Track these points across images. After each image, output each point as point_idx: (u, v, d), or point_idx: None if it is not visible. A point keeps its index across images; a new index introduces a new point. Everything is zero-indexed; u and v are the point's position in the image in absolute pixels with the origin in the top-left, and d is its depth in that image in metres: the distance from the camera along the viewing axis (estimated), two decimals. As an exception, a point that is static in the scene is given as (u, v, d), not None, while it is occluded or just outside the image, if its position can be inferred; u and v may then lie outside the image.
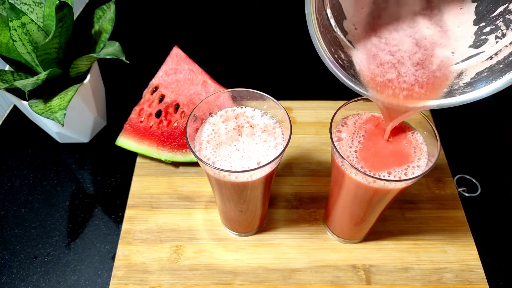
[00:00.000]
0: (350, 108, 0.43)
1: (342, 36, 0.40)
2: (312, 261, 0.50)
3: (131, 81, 0.69)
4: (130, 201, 0.56)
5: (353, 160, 0.39)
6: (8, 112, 0.68)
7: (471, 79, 0.37)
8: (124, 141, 0.59)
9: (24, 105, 0.54)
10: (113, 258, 0.51)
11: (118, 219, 0.55)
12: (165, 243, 0.52)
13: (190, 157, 0.58)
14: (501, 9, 0.36)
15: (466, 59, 0.38)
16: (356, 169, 0.37)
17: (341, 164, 0.39)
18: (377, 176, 0.38)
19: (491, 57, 0.36)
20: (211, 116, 0.44)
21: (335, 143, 0.40)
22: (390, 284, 0.48)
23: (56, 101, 0.51)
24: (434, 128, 0.40)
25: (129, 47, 0.63)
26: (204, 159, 0.40)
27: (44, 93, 0.54)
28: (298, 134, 0.63)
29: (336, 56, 0.38)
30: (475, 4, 0.38)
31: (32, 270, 0.50)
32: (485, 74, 0.36)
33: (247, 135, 0.42)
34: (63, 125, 0.48)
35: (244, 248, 0.51)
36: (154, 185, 0.57)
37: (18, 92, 0.54)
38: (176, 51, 0.63)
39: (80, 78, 0.57)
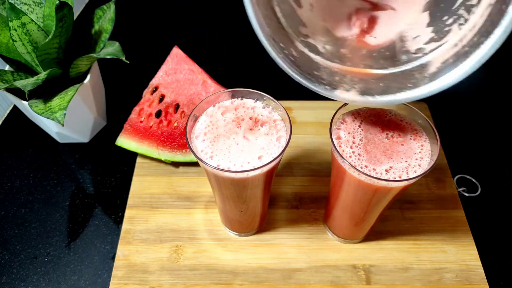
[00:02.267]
0: (350, 108, 0.43)
1: (293, 33, 0.39)
2: (312, 261, 0.50)
3: (131, 81, 0.69)
4: (130, 201, 0.56)
5: (353, 158, 0.39)
6: (8, 112, 0.68)
7: (437, 68, 0.36)
8: (124, 141, 0.59)
9: (24, 105, 0.54)
10: (113, 258, 0.51)
11: (118, 219, 0.55)
12: (165, 243, 0.52)
13: (190, 157, 0.58)
14: (460, 0, 0.36)
15: (429, 52, 0.38)
16: (356, 168, 0.37)
17: (341, 163, 0.39)
18: (377, 175, 0.38)
19: (456, 45, 0.36)
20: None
21: (335, 142, 0.40)
22: (390, 284, 0.48)
23: (56, 101, 0.51)
24: (434, 127, 0.40)
25: (129, 47, 0.63)
26: (201, 154, 0.40)
27: (44, 93, 0.54)
28: (298, 134, 0.63)
29: (286, 52, 0.38)
30: (427, 12, 0.38)
31: (32, 270, 0.50)
32: (451, 60, 0.35)
33: (247, 128, 0.42)
34: (63, 125, 0.48)
35: (244, 248, 0.51)
36: (154, 185, 0.57)
37: (18, 92, 0.54)
38: (176, 51, 0.63)
39: (80, 78, 0.57)
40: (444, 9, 0.37)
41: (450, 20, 0.36)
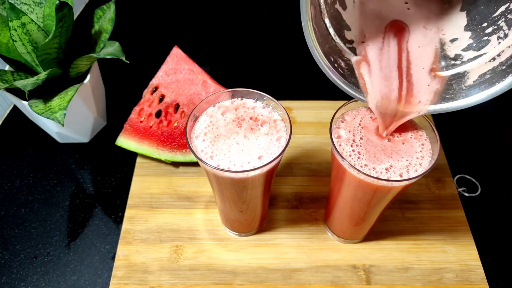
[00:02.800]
0: (350, 108, 0.43)
1: (342, 45, 0.41)
2: (312, 261, 0.50)
3: (131, 81, 0.69)
4: (130, 201, 0.56)
5: (352, 157, 0.39)
6: (8, 112, 0.68)
7: (473, 81, 0.37)
8: (124, 141, 0.59)
9: (24, 105, 0.54)
10: (113, 258, 0.51)
11: (118, 219, 0.55)
12: (165, 243, 0.52)
13: (190, 157, 0.58)
14: (502, 8, 0.36)
15: (467, 62, 0.38)
16: (355, 167, 0.37)
17: (341, 162, 0.39)
18: (377, 173, 0.38)
19: (493, 59, 0.36)
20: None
21: (335, 141, 0.40)
22: (390, 284, 0.48)
23: (56, 101, 0.51)
24: (434, 127, 0.40)
25: (129, 47, 0.63)
26: (201, 154, 0.40)
27: (44, 93, 0.54)
28: (298, 134, 0.63)
29: (336, 65, 0.39)
30: (464, 12, 0.39)
31: (32, 270, 0.50)
32: (488, 76, 0.36)
33: (247, 127, 0.42)
34: (63, 125, 0.48)
35: (244, 248, 0.51)
36: (154, 185, 0.57)
37: (18, 92, 0.54)
38: (176, 51, 0.63)
39: (80, 78, 0.57)
40: (483, 13, 0.37)
41: (489, 29, 0.37)
